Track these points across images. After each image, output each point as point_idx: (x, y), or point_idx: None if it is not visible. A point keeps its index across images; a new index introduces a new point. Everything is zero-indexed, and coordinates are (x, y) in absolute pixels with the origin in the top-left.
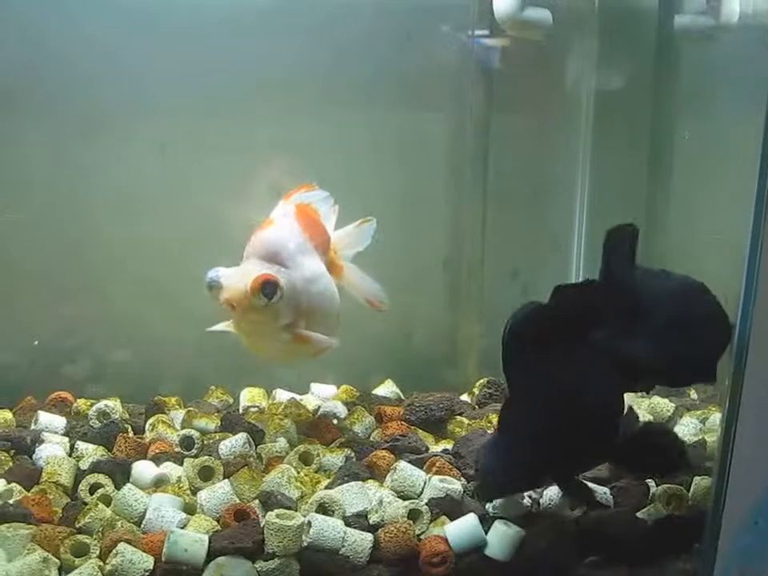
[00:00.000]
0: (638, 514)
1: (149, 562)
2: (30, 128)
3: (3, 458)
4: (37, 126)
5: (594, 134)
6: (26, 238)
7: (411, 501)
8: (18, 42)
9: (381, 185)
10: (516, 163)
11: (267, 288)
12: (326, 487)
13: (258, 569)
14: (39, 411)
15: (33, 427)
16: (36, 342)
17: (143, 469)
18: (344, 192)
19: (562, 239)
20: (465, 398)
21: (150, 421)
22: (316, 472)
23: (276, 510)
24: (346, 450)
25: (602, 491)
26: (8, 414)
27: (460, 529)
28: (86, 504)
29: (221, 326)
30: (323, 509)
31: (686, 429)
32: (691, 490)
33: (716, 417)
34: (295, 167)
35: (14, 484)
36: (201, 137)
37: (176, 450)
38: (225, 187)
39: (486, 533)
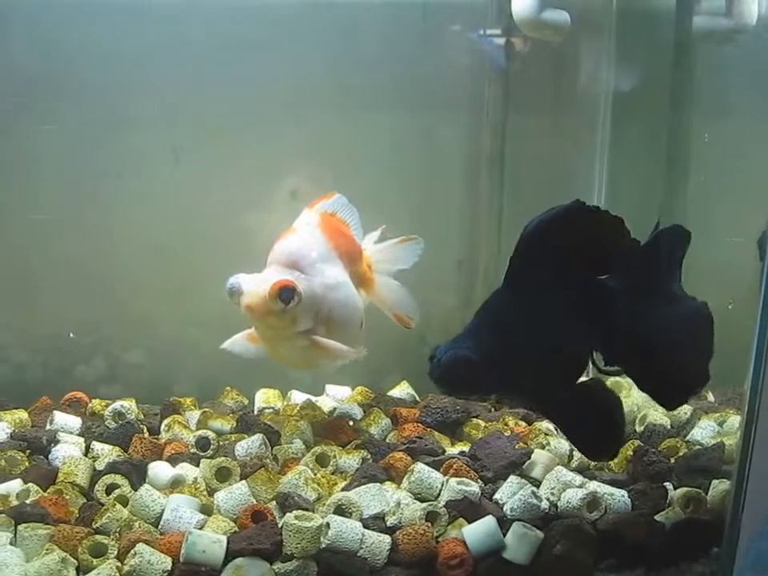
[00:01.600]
0: (656, 517)
1: (167, 562)
2: (51, 132)
3: (19, 457)
4: (57, 131)
5: (611, 135)
6: (44, 239)
7: (429, 503)
8: (38, 49)
9: (397, 186)
10: (532, 164)
11: (284, 293)
12: (343, 489)
13: (276, 570)
14: (55, 411)
15: (48, 427)
16: (72, 335)
17: (159, 469)
18: (361, 194)
19: None
20: None
21: (166, 421)
22: (332, 473)
23: (294, 512)
24: (362, 451)
25: (620, 494)
26: (23, 414)
27: (478, 531)
28: (102, 504)
29: (237, 346)
30: (341, 510)
31: (704, 432)
32: (709, 493)
33: (734, 420)
34: (313, 170)
35: (30, 484)
36: (217, 141)
37: (192, 450)
38: (241, 190)
39: (504, 535)
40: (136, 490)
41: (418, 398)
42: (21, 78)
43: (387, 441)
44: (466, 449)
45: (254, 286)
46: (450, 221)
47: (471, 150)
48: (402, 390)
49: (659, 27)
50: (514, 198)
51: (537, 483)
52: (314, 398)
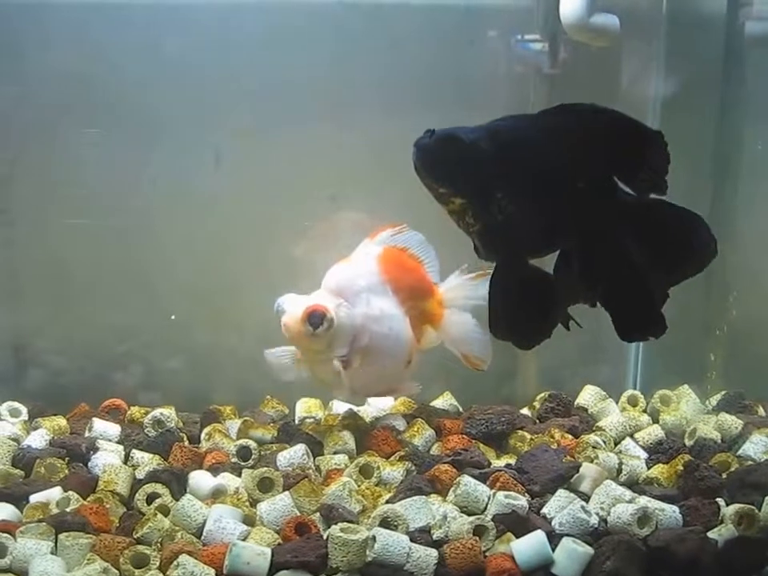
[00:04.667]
0: (709, 534)
1: (210, 574)
2: (91, 136)
3: (59, 465)
4: (97, 135)
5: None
6: (83, 243)
7: (477, 516)
8: (79, 53)
9: None
10: None
11: (313, 318)
12: (388, 501)
13: None
14: (94, 418)
15: (87, 434)
16: (173, 317)
17: (200, 479)
18: (402, 197)
19: None
20: (525, 411)
21: (206, 430)
22: (376, 485)
23: (340, 524)
24: (406, 463)
25: (671, 510)
26: (62, 421)
27: (527, 546)
28: (143, 514)
29: (274, 358)
30: (386, 523)
31: (756, 447)
32: (762, 509)
33: None
34: (353, 174)
35: (70, 492)
36: (257, 144)
37: (232, 460)
38: (281, 194)
39: (554, 550)
40: (176, 500)
41: (461, 409)
42: (62, 82)
43: (431, 452)
44: (512, 461)
45: (293, 307)
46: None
47: None
48: (444, 401)
49: (710, 31)
50: None
51: (585, 497)
52: (355, 408)
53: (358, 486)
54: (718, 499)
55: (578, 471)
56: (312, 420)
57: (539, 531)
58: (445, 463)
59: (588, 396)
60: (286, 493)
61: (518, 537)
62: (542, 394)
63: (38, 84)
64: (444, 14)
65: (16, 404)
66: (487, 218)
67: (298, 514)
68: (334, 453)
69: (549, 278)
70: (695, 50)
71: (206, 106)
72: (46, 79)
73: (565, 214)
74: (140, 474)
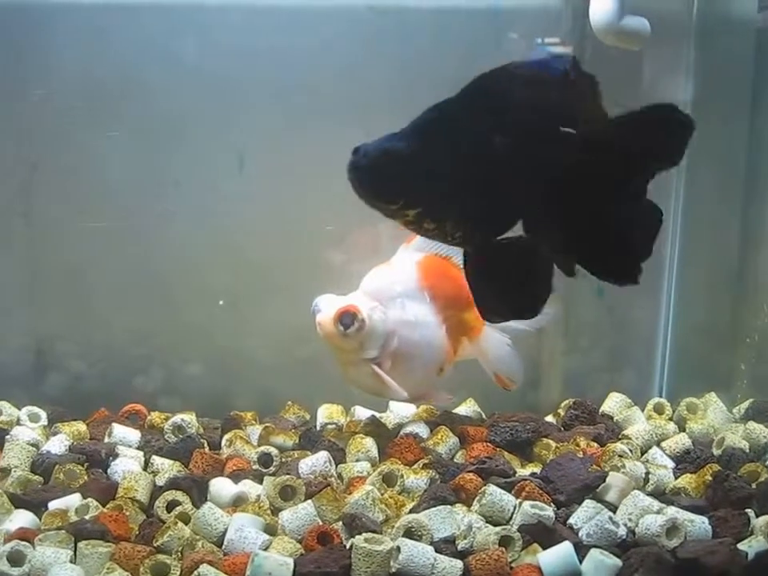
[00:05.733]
0: (739, 546)
1: None
2: (112, 139)
3: (78, 471)
4: (119, 137)
5: (689, 146)
6: (104, 247)
7: (503, 527)
8: (101, 56)
9: None
10: None
11: (345, 318)
12: (412, 510)
13: None
14: (113, 424)
15: (107, 440)
16: (221, 302)
17: (221, 486)
18: None
19: (654, 256)
20: (549, 419)
21: (227, 436)
22: (400, 494)
23: (364, 534)
24: (430, 471)
25: (700, 521)
26: (82, 426)
27: (554, 558)
28: (163, 522)
29: None
30: (410, 533)
31: None
32: None
33: None
34: None
35: (90, 499)
36: (281, 148)
37: (254, 467)
38: (304, 197)
39: (581, 562)
40: (197, 507)
41: (484, 416)
42: (82, 85)
43: (455, 460)
44: (537, 470)
45: (328, 306)
46: (517, 230)
47: None
48: (467, 408)
49: (740, 34)
50: None
51: (611, 507)
52: (378, 415)
53: (381, 494)
54: (747, 510)
55: (604, 481)
56: (334, 426)
57: (567, 543)
58: (469, 472)
59: (613, 403)
60: (309, 501)
61: (544, 548)
62: (567, 401)
63: (59, 87)
64: (471, 18)
65: (35, 409)
66: (445, 216)
67: (321, 523)
68: (357, 460)
69: (524, 247)
70: (726, 52)
71: (230, 109)
72: (67, 82)
73: (519, 181)
74: (160, 481)
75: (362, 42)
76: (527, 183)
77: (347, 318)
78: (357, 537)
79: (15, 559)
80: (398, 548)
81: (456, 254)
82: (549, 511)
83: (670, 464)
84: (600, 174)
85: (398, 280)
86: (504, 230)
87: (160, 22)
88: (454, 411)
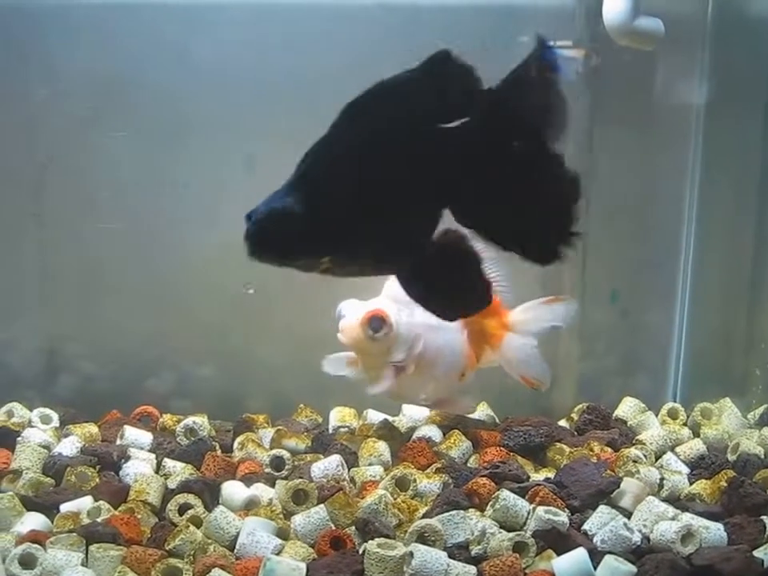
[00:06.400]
0: (755, 553)
1: None
2: (122, 140)
3: (90, 473)
4: (126, 138)
5: (703, 149)
6: (114, 248)
7: (517, 533)
8: (111, 57)
9: None
10: (620, 180)
11: (374, 322)
12: (425, 515)
13: None
14: (125, 426)
15: (119, 442)
16: (251, 291)
17: (234, 490)
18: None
19: (667, 261)
20: (563, 423)
21: (239, 439)
22: (412, 498)
23: (376, 539)
24: (443, 475)
25: (715, 527)
26: (93, 428)
27: (568, 564)
28: (175, 525)
29: (332, 365)
30: (423, 539)
31: None
32: None
33: None
34: None
35: (101, 502)
36: (290, 149)
37: (266, 470)
38: None
39: (595, 568)
40: (209, 511)
41: (497, 420)
42: (93, 85)
43: (468, 465)
44: (551, 475)
45: (353, 312)
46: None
47: None
48: (481, 412)
49: (756, 35)
50: (600, 213)
51: (626, 513)
52: (390, 418)
53: (394, 498)
54: (763, 517)
55: (618, 486)
56: (346, 429)
57: (581, 549)
58: (483, 476)
59: (627, 408)
60: (322, 506)
61: (558, 554)
62: (580, 406)
63: (70, 87)
64: (482, 16)
65: (47, 410)
66: (359, 254)
67: (333, 527)
68: (369, 464)
69: (452, 246)
70: (741, 53)
71: (239, 110)
72: (78, 82)
73: (421, 188)
74: (172, 484)
75: (372, 40)
76: (432, 186)
77: (376, 322)
78: (369, 542)
79: (27, 562)
80: (411, 553)
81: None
82: (563, 517)
83: (685, 470)
84: (497, 153)
85: None
86: (427, 236)
87: (171, 21)
88: (466, 415)
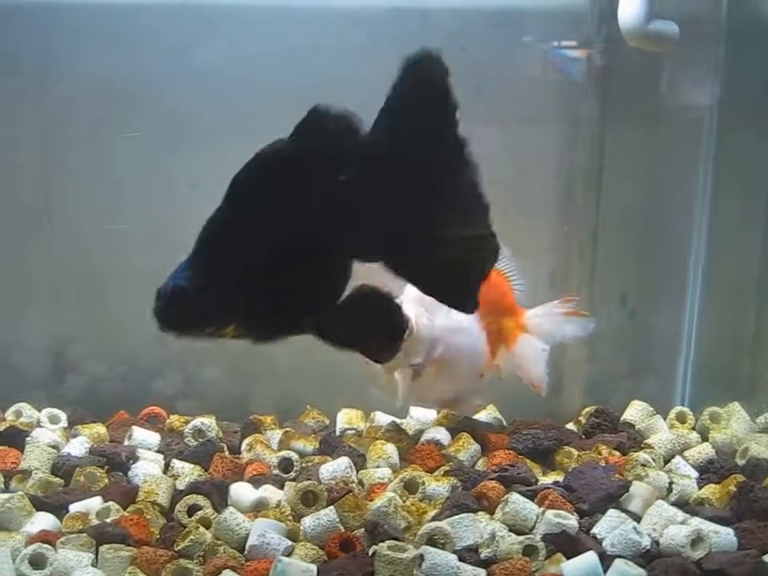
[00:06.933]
0: (765, 558)
1: None
2: (133, 140)
3: (98, 474)
4: (135, 139)
5: (715, 150)
6: (121, 248)
7: (527, 536)
8: (121, 58)
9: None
10: (630, 181)
11: None
12: (434, 518)
13: None
14: (133, 426)
15: (127, 443)
16: None
17: (242, 491)
18: None
19: (678, 263)
20: (570, 426)
21: (247, 440)
22: (421, 501)
23: (387, 542)
24: (451, 478)
25: (725, 532)
26: (102, 429)
27: (578, 568)
28: (184, 526)
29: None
30: (432, 541)
31: None
32: None
33: None
34: None
35: (111, 502)
36: None
37: (274, 472)
38: None
39: (605, 572)
40: (218, 512)
41: (504, 423)
42: (101, 86)
43: (476, 467)
44: (559, 478)
45: None
46: (543, 235)
47: (567, 164)
48: (488, 414)
49: None
50: (610, 214)
51: (635, 517)
52: (398, 421)
53: (403, 501)
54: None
55: (627, 490)
56: (353, 432)
57: (591, 552)
58: (491, 479)
59: (635, 412)
60: (331, 508)
61: (568, 557)
62: (588, 409)
63: (79, 89)
64: (496, 18)
65: (55, 410)
66: (263, 318)
67: (342, 529)
68: (377, 466)
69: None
70: (755, 56)
71: (248, 113)
72: (87, 84)
73: (316, 246)
74: (180, 485)
75: (383, 44)
76: (328, 243)
77: None
78: (380, 544)
79: (37, 562)
80: (422, 556)
81: (500, 262)
82: (572, 520)
83: (694, 474)
84: (389, 196)
85: None
86: (337, 290)
87: (182, 24)
88: (474, 418)
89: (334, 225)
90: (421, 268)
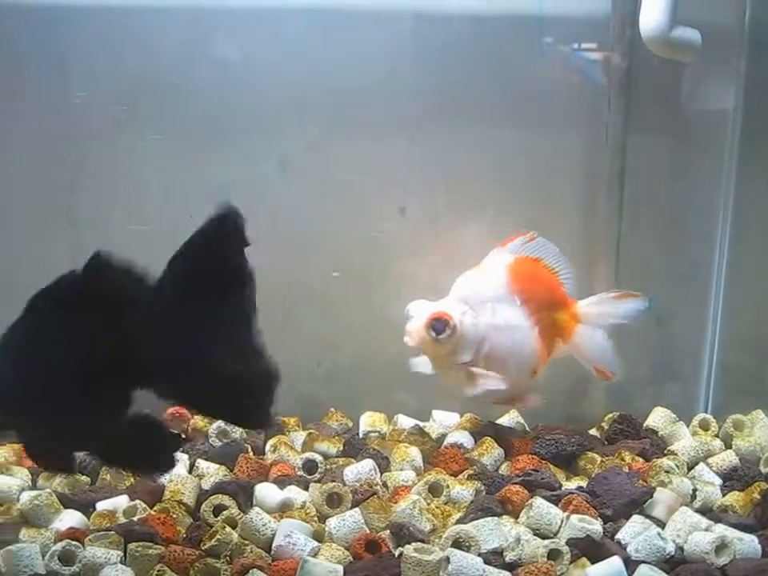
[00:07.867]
0: None
1: None
2: (156, 142)
3: (124, 473)
4: (160, 140)
5: (739, 157)
6: (146, 250)
7: (551, 540)
8: (146, 59)
9: (511, 205)
10: (653, 186)
11: (436, 325)
12: (458, 521)
13: None
14: None
15: None
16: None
17: (268, 492)
18: (472, 213)
19: (700, 270)
20: (593, 432)
21: (272, 442)
22: (445, 504)
23: (413, 544)
24: (475, 482)
25: (749, 539)
26: None
27: (603, 572)
28: (210, 525)
29: (420, 364)
30: (458, 544)
31: None
32: None
33: None
34: (422, 187)
35: (137, 501)
36: (324, 155)
37: (298, 473)
38: (349, 205)
39: None
40: (243, 512)
41: (527, 428)
42: (127, 87)
43: (500, 472)
44: (582, 484)
45: (419, 313)
46: (565, 243)
47: (590, 170)
48: (510, 419)
49: None
50: (633, 219)
51: (659, 523)
52: (421, 424)
53: (427, 504)
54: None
55: (651, 496)
56: (377, 434)
57: (616, 557)
58: (515, 484)
59: (658, 418)
60: (357, 509)
61: (592, 562)
62: (611, 415)
63: (103, 89)
64: (516, 25)
65: None
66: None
67: (367, 531)
68: (401, 469)
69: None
70: None
71: (274, 115)
72: (111, 84)
73: (93, 379)
74: (205, 485)
75: (406, 49)
76: (100, 377)
77: (439, 324)
78: (406, 546)
79: (66, 558)
80: (448, 558)
81: (546, 256)
82: (597, 526)
83: (718, 481)
84: (169, 335)
85: (488, 284)
86: (113, 417)
87: (207, 24)
88: (497, 422)
89: (113, 357)
90: (196, 394)
